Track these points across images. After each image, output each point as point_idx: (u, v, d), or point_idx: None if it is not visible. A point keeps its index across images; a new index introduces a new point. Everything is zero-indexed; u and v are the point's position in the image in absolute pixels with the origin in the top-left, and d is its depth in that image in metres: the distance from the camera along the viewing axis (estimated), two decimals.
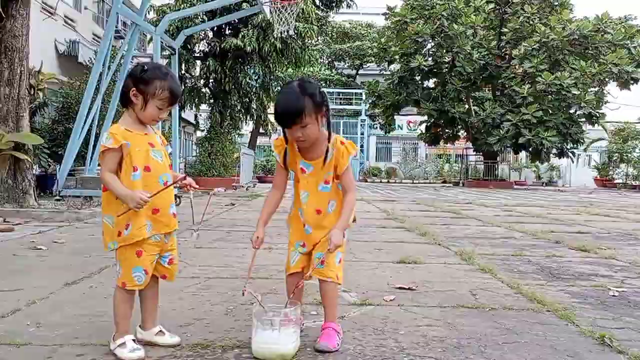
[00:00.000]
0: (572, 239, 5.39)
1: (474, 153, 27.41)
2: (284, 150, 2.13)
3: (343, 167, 2.06)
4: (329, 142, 2.07)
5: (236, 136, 20.33)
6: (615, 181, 27.18)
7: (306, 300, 2.74)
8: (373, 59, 31.99)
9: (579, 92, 20.52)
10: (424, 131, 26.33)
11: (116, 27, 13.65)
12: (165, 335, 2.07)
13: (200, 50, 17.20)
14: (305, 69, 22.86)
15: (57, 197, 7.68)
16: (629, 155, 26.89)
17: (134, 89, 1.97)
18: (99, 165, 9.01)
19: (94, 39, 16.26)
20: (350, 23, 35.81)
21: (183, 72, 15.90)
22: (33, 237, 4.75)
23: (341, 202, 2.10)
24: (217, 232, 5.47)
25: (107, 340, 2.06)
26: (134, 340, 1.95)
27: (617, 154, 27.42)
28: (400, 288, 3.03)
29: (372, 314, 2.52)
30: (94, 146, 8.66)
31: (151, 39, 12.96)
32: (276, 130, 27.99)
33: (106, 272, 3.35)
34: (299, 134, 1.97)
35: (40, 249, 4.16)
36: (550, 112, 21.11)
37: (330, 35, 33.15)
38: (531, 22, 21.68)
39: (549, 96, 20.99)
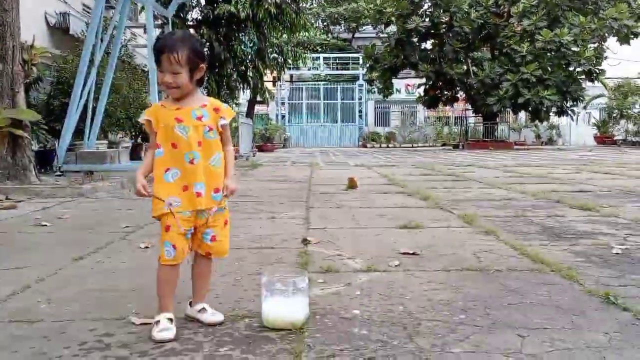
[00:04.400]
0: (573, 198, 5.41)
1: (473, 114, 27.25)
2: None
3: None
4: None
5: (234, 105, 20.15)
6: (616, 138, 27.11)
7: (312, 268, 2.77)
8: (369, 21, 31.44)
9: (579, 49, 20.28)
10: (422, 94, 26.11)
11: None
12: (207, 313, 2.02)
13: (193, 18, 16.88)
14: (301, 34, 22.50)
15: (58, 173, 7.67)
16: (629, 111, 26.73)
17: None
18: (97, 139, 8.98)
19: (84, 9, 15.92)
20: None
21: None
22: (37, 214, 4.77)
23: None
24: None
25: (119, 314, 2.09)
26: (170, 319, 1.90)
27: (617, 111, 27.26)
28: (404, 253, 3.06)
29: (378, 280, 2.55)
30: (92, 120, 8.60)
31: (143, 8, 12.69)
32: (273, 98, 27.78)
33: (112, 247, 3.37)
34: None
35: (45, 225, 4.18)
36: (550, 70, 20.89)
37: None
38: None
39: (548, 54, 20.74)
